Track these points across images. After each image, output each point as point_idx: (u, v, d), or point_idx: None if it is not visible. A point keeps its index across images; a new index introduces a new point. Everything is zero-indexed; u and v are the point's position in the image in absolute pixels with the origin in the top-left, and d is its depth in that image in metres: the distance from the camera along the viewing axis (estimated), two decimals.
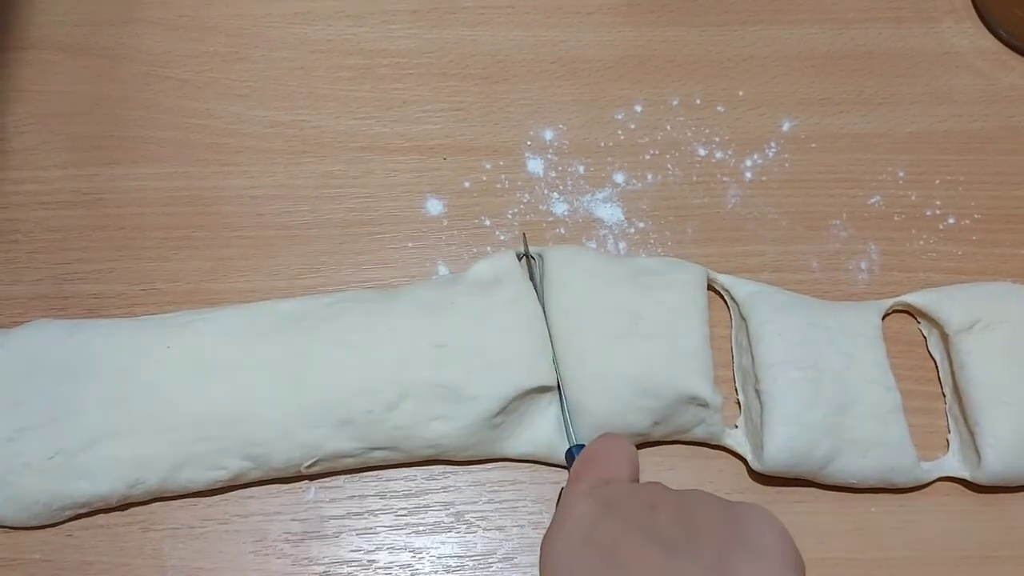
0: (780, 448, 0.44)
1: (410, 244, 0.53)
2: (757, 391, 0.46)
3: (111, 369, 0.44)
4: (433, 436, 0.45)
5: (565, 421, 0.46)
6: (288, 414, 0.44)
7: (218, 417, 0.44)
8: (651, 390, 0.45)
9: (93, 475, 0.43)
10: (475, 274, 0.49)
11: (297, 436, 0.44)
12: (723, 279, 0.50)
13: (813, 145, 0.56)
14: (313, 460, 0.44)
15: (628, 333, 0.46)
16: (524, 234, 0.52)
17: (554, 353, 0.46)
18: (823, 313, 0.48)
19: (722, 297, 0.51)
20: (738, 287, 0.50)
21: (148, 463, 0.43)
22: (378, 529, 0.46)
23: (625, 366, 0.46)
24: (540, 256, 0.50)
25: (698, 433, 0.47)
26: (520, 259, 0.51)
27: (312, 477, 0.47)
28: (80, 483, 0.43)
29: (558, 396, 0.46)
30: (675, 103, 0.57)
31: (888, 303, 0.50)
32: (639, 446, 0.47)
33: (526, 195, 0.55)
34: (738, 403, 0.49)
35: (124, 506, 0.46)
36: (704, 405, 0.45)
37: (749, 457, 0.46)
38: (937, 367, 0.50)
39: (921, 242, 0.53)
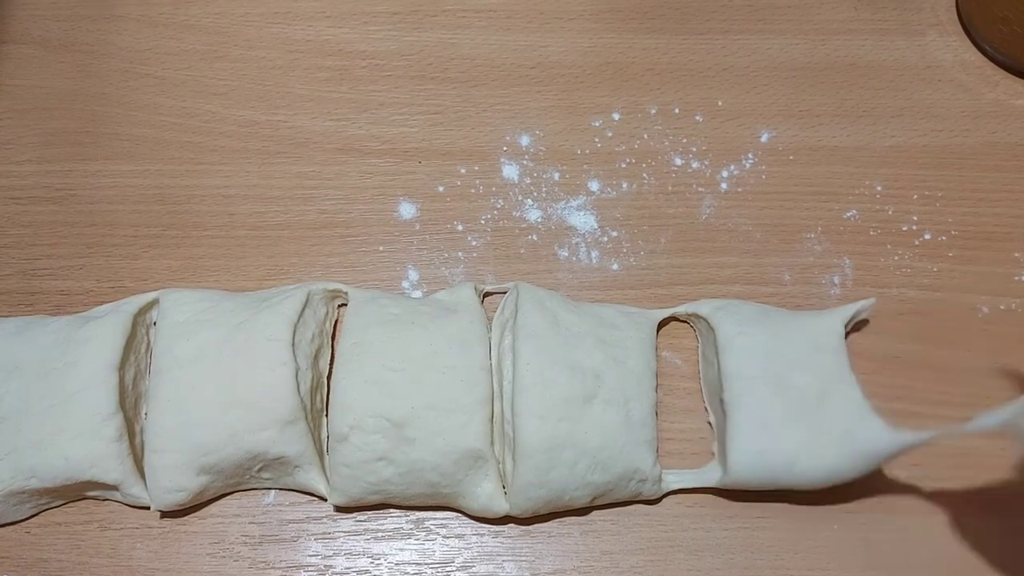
0: (743, 462, 0.44)
1: (381, 248, 0.53)
2: (722, 400, 0.45)
3: (58, 367, 0.44)
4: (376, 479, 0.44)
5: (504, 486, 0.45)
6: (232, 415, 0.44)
7: (165, 426, 0.44)
8: (602, 463, 0.43)
9: (43, 474, 0.43)
10: (437, 298, 0.49)
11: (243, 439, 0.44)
12: (683, 308, 0.50)
13: (791, 157, 0.56)
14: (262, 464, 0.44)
15: (592, 396, 0.44)
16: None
17: (505, 409, 0.45)
18: (788, 324, 0.47)
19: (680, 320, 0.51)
20: (701, 307, 0.49)
21: (100, 463, 0.43)
22: (336, 534, 0.46)
23: (585, 436, 0.43)
24: (515, 288, 0.49)
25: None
26: (480, 295, 0.50)
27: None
28: (31, 480, 0.43)
29: (495, 459, 0.44)
30: (653, 112, 0.57)
31: (851, 310, 0.49)
32: (574, 511, 0.46)
33: (500, 201, 0.54)
34: (709, 424, 0.48)
35: (82, 503, 0.46)
36: (644, 480, 0.45)
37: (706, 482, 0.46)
38: None
39: (896, 257, 0.53)
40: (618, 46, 0.59)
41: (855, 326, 0.50)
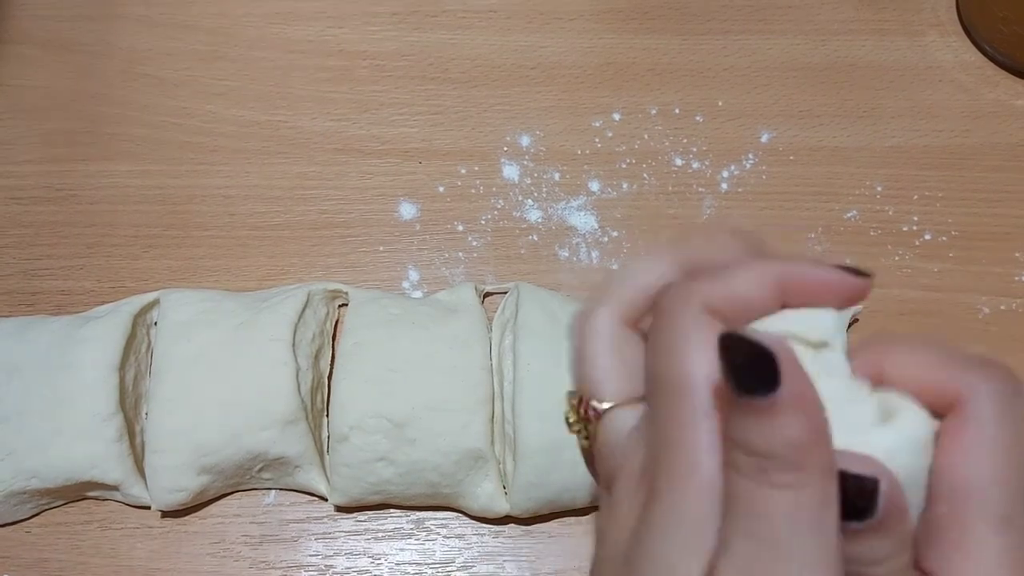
0: None
1: (381, 248, 0.53)
2: None
3: (58, 367, 0.44)
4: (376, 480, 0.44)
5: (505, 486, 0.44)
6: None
7: (166, 426, 0.44)
8: None
9: (43, 475, 0.43)
10: (437, 298, 0.49)
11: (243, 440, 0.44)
12: None
13: (791, 157, 0.56)
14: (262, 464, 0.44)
15: None
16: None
17: (505, 409, 0.45)
18: None
19: None
20: None
21: (100, 464, 0.43)
22: (337, 534, 0.46)
23: None
24: (516, 288, 0.49)
25: None
26: (481, 295, 0.50)
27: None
28: (32, 481, 0.43)
29: (495, 460, 0.44)
30: (653, 112, 0.57)
31: (849, 312, 0.49)
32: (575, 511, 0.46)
33: (500, 201, 0.54)
34: None
35: (83, 503, 0.46)
36: None
37: None
38: None
39: (896, 258, 0.53)
40: (618, 46, 0.59)
41: (855, 326, 0.50)
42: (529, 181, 0.55)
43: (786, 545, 0.19)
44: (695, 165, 0.55)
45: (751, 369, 0.19)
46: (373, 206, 0.54)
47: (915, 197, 0.55)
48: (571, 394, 0.26)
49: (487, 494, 0.44)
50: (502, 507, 0.44)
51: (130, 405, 0.45)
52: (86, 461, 0.43)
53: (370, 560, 0.46)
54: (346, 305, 0.50)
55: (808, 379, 0.20)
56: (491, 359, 0.46)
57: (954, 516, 0.21)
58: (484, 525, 0.46)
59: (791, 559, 0.19)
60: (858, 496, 0.20)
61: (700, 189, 0.55)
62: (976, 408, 0.21)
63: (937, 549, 0.21)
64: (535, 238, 0.53)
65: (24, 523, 0.46)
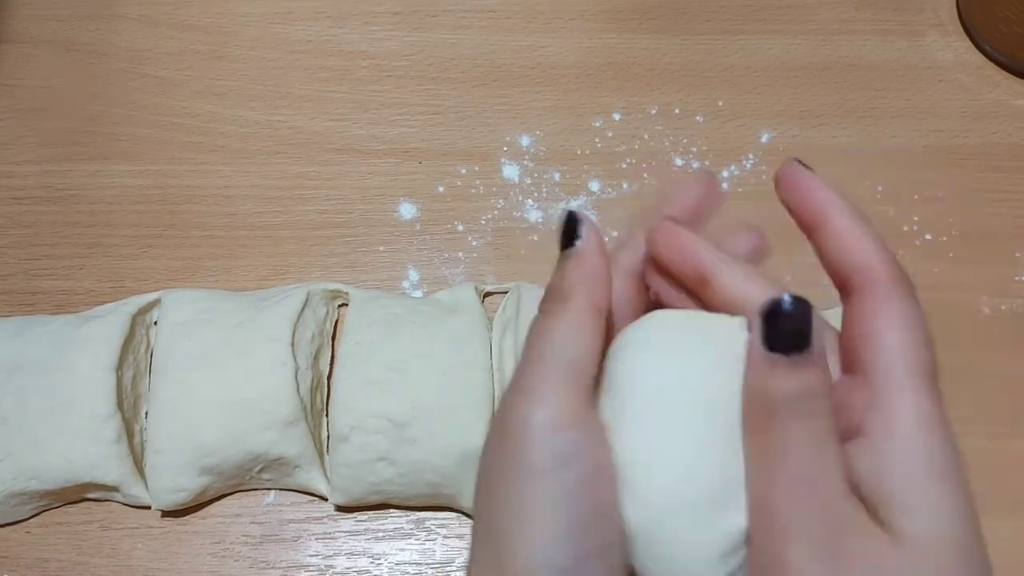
0: None
1: (381, 248, 0.53)
2: None
3: (57, 367, 0.44)
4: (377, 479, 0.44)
5: None
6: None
7: (166, 427, 0.44)
8: None
9: (44, 476, 0.43)
10: (437, 298, 0.49)
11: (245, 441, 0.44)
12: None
13: (792, 157, 0.56)
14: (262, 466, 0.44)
15: None
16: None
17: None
18: None
19: None
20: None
21: (100, 465, 0.43)
22: (337, 534, 0.46)
23: None
24: (516, 289, 0.49)
25: None
26: (481, 295, 0.50)
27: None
28: (32, 482, 0.43)
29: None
30: (654, 112, 0.57)
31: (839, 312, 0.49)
32: None
33: (500, 201, 0.54)
34: None
35: (83, 503, 0.46)
36: None
37: None
38: None
39: (897, 258, 0.53)
40: (618, 46, 0.59)
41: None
42: (529, 181, 0.55)
43: (547, 356, 0.24)
44: (695, 165, 0.55)
45: (566, 231, 0.26)
46: (373, 206, 0.54)
47: (915, 197, 0.55)
48: None
49: None
50: None
51: (129, 405, 0.45)
52: (85, 462, 0.43)
53: (370, 560, 0.46)
54: (346, 305, 0.50)
55: (598, 241, 0.27)
56: (491, 359, 0.46)
57: (882, 378, 0.23)
58: None
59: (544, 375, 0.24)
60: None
61: None
62: (884, 289, 0.25)
63: (866, 413, 0.23)
64: (535, 238, 0.53)
65: (24, 523, 0.46)
